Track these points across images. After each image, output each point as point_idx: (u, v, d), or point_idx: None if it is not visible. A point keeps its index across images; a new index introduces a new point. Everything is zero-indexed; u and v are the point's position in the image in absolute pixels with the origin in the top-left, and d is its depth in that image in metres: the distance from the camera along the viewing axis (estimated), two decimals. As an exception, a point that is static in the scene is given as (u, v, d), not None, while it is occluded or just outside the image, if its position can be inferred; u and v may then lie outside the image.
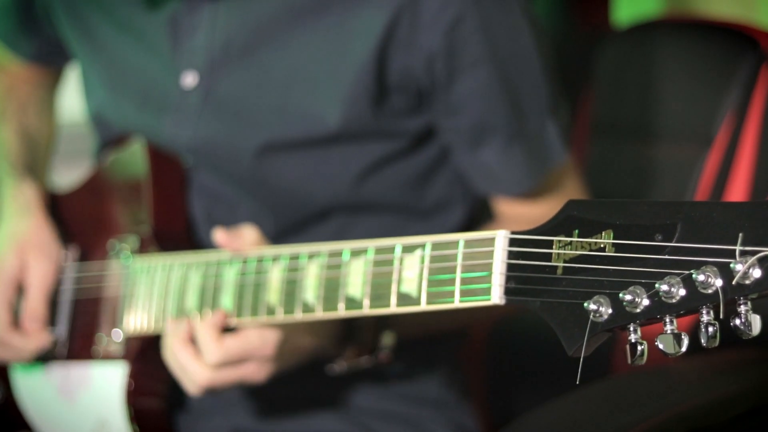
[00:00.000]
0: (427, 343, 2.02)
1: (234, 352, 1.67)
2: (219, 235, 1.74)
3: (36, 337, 1.92)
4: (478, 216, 2.02)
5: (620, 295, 1.15)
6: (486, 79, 1.83)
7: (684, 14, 2.79)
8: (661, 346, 1.14)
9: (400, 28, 1.81)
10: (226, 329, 1.70)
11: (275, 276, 1.63)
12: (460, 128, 1.88)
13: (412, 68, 1.83)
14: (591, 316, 1.18)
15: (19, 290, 1.95)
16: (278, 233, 1.93)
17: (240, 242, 1.72)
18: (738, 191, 2.11)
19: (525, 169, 1.89)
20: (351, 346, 1.80)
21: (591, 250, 1.20)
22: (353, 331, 1.80)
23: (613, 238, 1.18)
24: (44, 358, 1.98)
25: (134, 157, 1.99)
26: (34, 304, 1.93)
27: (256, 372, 1.71)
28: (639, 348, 1.16)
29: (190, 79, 1.92)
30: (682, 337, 1.13)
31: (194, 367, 1.69)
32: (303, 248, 1.60)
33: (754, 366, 1.91)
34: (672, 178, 2.21)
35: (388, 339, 1.82)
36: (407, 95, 1.86)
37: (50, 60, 2.22)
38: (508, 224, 1.89)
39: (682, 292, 1.12)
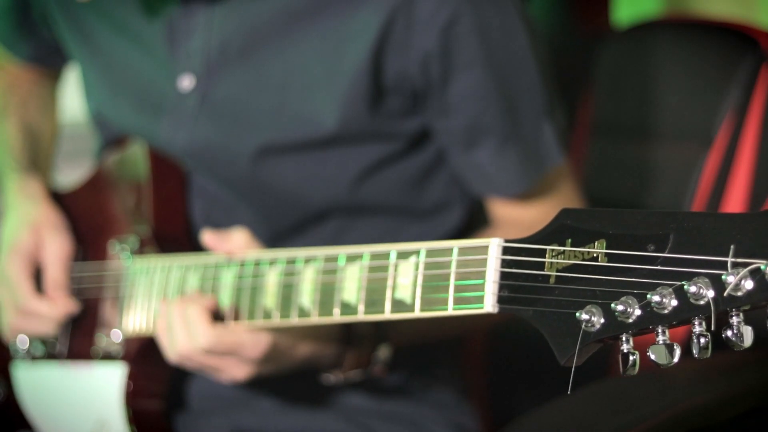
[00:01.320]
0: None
1: (224, 342, 1.68)
2: (207, 237, 1.75)
3: (61, 303, 1.94)
4: (477, 218, 2.02)
5: (612, 305, 1.15)
6: (480, 79, 1.83)
7: (684, 14, 2.78)
8: (653, 357, 1.14)
9: (395, 29, 1.81)
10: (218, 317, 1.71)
11: (272, 280, 1.63)
12: (455, 129, 1.88)
13: (408, 69, 1.83)
14: (583, 326, 1.18)
15: (37, 269, 1.97)
16: (276, 235, 1.93)
17: (229, 245, 1.73)
18: (738, 192, 2.10)
19: (519, 170, 1.89)
20: (347, 357, 1.80)
21: (584, 260, 1.20)
22: (351, 343, 1.80)
23: (606, 248, 1.18)
24: (44, 356, 1.99)
25: (135, 158, 1.99)
26: (55, 273, 1.95)
27: (235, 368, 1.71)
28: (631, 358, 1.16)
29: (186, 82, 1.93)
30: (675, 347, 1.13)
31: (182, 335, 1.69)
32: (300, 252, 1.60)
33: (754, 366, 1.91)
34: (672, 178, 2.20)
35: (384, 352, 1.82)
36: (403, 96, 1.86)
37: (48, 61, 2.23)
38: (503, 227, 1.90)
39: (674, 303, 1.12)
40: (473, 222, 2.03)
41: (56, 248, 1.96)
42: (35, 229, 1.98)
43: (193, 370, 1.79)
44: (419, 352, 2.01)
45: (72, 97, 2.46)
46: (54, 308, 1.93)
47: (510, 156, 1.88)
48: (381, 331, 1.82)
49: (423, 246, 1.41)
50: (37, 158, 2.15)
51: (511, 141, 1.88)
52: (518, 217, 1.91)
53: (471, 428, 2.04)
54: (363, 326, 1.80)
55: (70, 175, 2.22)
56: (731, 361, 1.90)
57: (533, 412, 1.80)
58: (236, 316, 1.68)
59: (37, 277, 1.97)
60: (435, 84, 1.84)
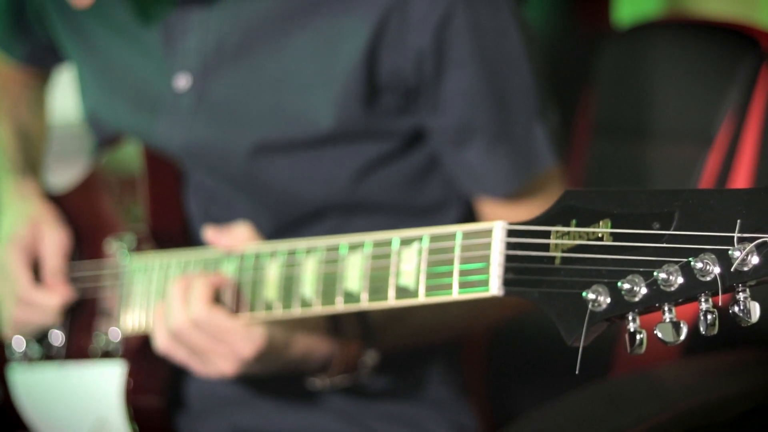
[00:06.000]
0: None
1: (216, 322, 1.67)
2: (209, 232, 1.75)
3: (59, 291, 1.94)
4: (474, 217, 2.01)
5: (618, 284, 1.15)
6: (472, 78, 1.83)
7: (684, 14, 2.79)
8: (659, 335, 1.14)
9: (389, 27, 1.81)
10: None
11: (273, 272, 1.63)
12: (446, 127, 1.87)
13: (402, 68, 1.83)
14: (589, 306, 1.17)
15: (36, 262, 1.97)
16: (273, 234, 1.92)
17: (231, 239, 1.72)
18: (738, 192, 2.10)
19: (508, 170, 1.88)
20: (334, 362, 1.80)
21: (589, 240, 1.20)
22: (337, 347, 1.79)
23: (611, 227, 1.18)
24: (41, 358, 1.99)
25: (130, 157, 1.99)
26: (53, 261, 1.96)
27: (221, 358, 1.70)
28: (638, 337, 1.16)
29: (182, 82, 1.93)
30: (681, 325, 1.13)
31: (178, 306, 1.69)
32: (300, 244, 1.60)
33: (754, 366, 1.91)
34: (672, 178, 2.20)
35: (371, 358, 1.82)
36: (397, 94, 1.86)
37: (42, 62, 2.23)
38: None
39: (681, 280, 1.12)
40: (470, 222, 2.02)
41: (54, 240, 1.97)
42: (34, 224, 1.98)
43: (181, 362, 1.77)
44: (419, 351, 2.01)
45: (64, 98, 2.46)
46: (51, 297, 1.94)
47: (499, 156, 1.88)
48: (369, 336, 1.81)
49: (426, 232, 1.41)
50: (31, 160, 2.16)
51: (501, 141, 1.87)
52: (506, 218, 1.89)
53: (470, 427, 2.04)
54: (350, 330, 1.80)
55: (62, 176, 2.22)
56: (731, 361, 1.91)
57: (533, 412, 1.80)
58: (237, 309, 1.68)
59: (37, 271, 1.97)
60: (428, 81, 1.84)
